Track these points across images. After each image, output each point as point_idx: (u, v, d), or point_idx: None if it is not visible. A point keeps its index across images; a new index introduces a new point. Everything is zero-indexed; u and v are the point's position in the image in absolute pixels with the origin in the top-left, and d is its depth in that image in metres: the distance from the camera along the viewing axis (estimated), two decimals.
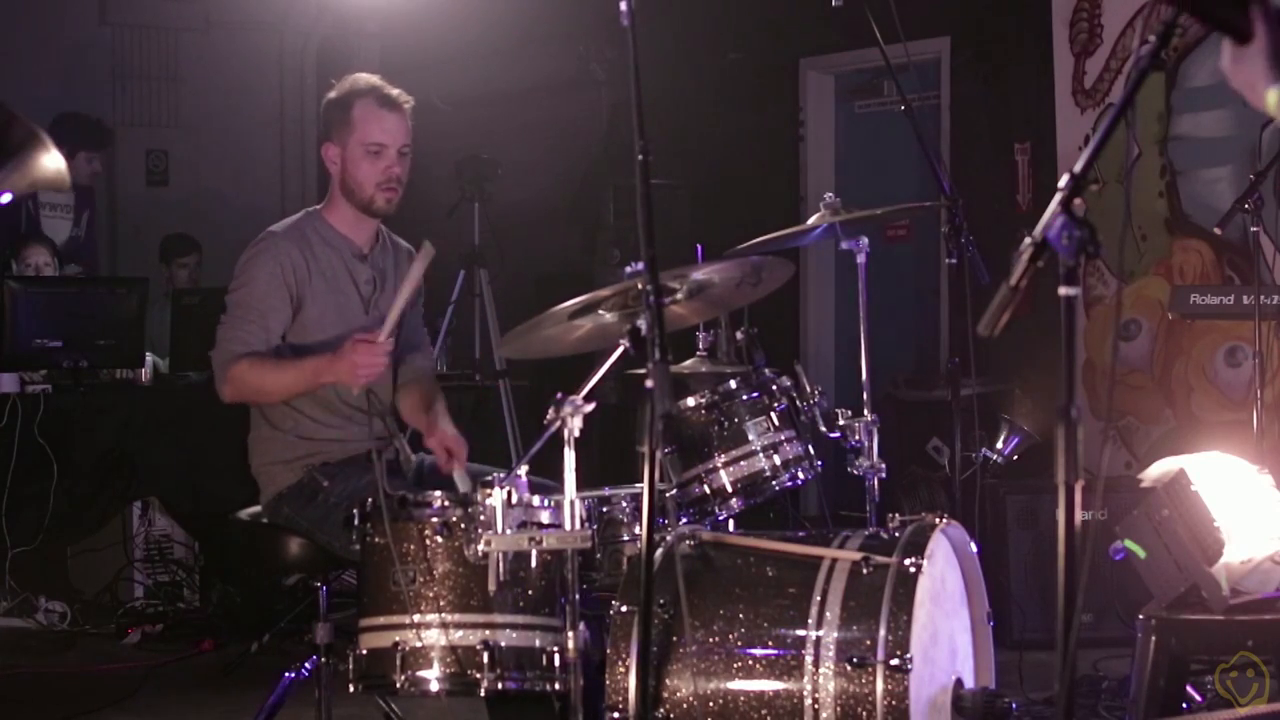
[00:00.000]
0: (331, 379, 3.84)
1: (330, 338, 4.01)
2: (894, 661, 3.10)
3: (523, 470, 3.35)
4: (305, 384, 3.90)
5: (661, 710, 3.20)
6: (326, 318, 4.02)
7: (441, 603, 3.25)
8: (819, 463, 3.92)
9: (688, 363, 4.08)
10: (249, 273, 4.00)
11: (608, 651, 3.25)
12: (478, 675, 3.22)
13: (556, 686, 3.25)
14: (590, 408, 3.23)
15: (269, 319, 3.95)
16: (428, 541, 3.28)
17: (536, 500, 3.33)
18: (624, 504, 3.62)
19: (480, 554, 3.25)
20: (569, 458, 3.20)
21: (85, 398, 6.40)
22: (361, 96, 4.05)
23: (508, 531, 3.25)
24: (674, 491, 3.74)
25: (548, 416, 3.21)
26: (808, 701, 3.14)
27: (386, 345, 3.76)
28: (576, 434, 3.20)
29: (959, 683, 3.41)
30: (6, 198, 3.05)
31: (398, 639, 3.26)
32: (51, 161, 3.10)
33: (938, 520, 3.38)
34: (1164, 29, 2.27)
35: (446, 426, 4.13)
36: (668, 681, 3.22)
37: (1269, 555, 3.88)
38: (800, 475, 3.86)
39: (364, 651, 3.32)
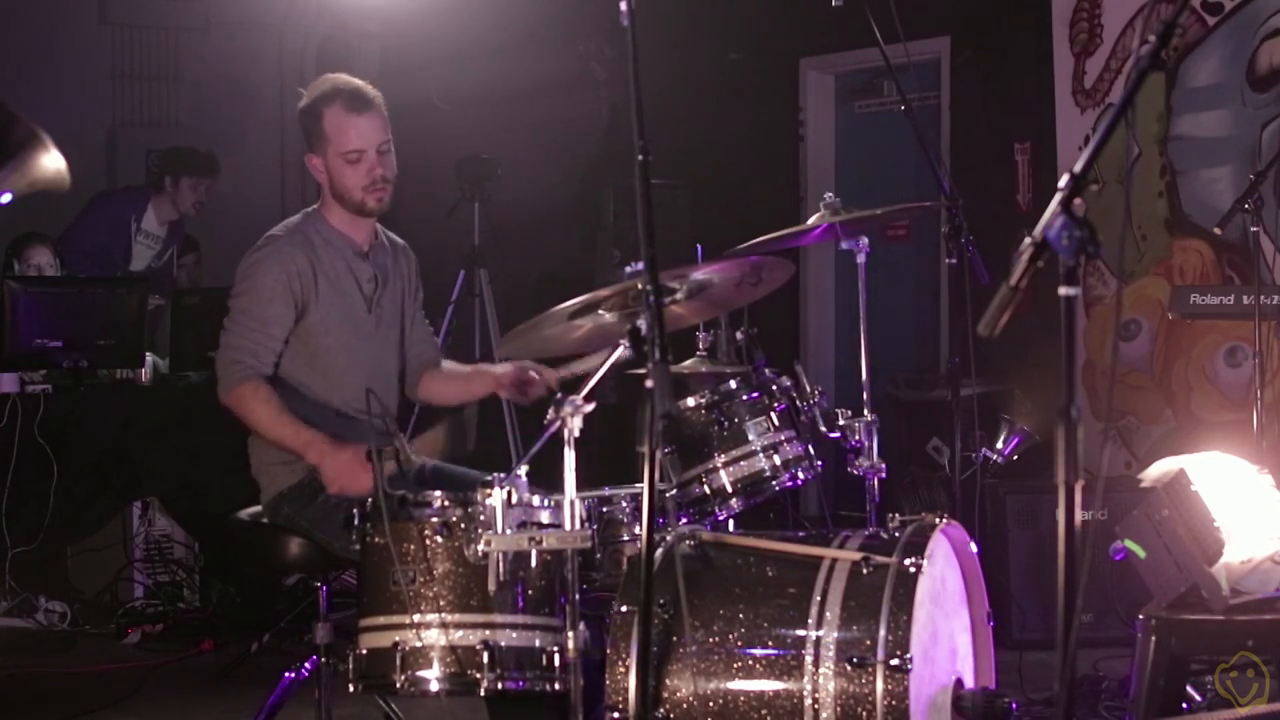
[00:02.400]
0: (316, 461, 3.84)
1: (335, 338, 4.02)
2: (894, 661, 3.10)
3: (523, 470, 3.35)
4: (291, 449, 3.90)
5: (661, 710, 3.20)
6: (331, 319, 4.03)
7: (441, 603, 3.25)
8: (819, 463, 3.93)
9: (688, 363, 4.08)
10: (253, 279, 4.00)
11: (608, 651, 3.25)
12: (478, 675, 3.22)
13: (556, 686, 3.26)
14: (590, 408, 3.24)
15: (271, 327, 3.97)
16: (428, 541, 3.28)
17: (537, 500, 3.34)
18: (624, 504, 3.63)
19: (480, 554, 3.25)
20: (569, 458, 3.20)
21: (85, 398, 6.40)
22: (329, 104, 4.02)
23: (508, 531, 3.25)
24: (674, 491, 3.74)
25: (548, 416, 3.22)
26: (808, 701, 3.14)
27: (369, 482, 3.68)
28: (576, 434, 3.20)
29: (959, 683, 3.41)
30: (7, 198, 3.06)
31: (398, 639, 3.26)
32: (51, 161, 3.11)
33: (938, 520, 3.38)
34: (1164, 29, 2.27)
35: (498, 366, 4.19)
36: (668, 681, 3.22)
37: (1269, 555, 3.88)
38: (800, 475, 3.86)
39: (364, 651, 3.32)
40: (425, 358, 4.34)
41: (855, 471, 4.05)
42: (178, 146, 8.05)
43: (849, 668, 3.13)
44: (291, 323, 4.00)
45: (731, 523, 3.83)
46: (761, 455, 3.80)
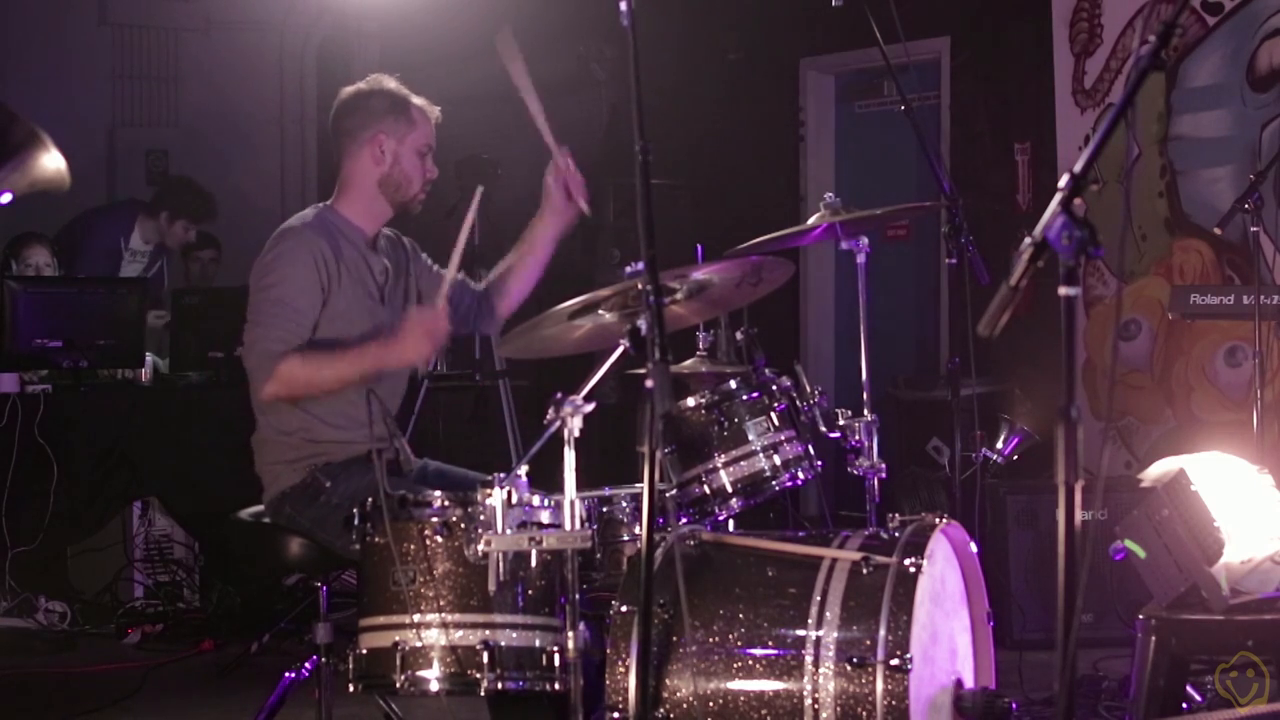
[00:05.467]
0: (396, 360, 3.87)
1: (353, 330, 4.01)
2: (894, 661, 3.10)
3: (523, 470, 3.35)
4: (364, 371, 3.85)
5: (661, 710, 3.20)
6: (352, 310, 4.02)
7: (441, 603, 3.26)
8: (819, 463, 3.92)
9: (688, 363, 4.08)
10: (281, 270, 3.93)
11: (608, 651, 3.25)
12: (478, 675, 3.22)
13: (556, 686, 3.26)
14: (590, 408, 3.24)
15: (305, 315, 3.90)
16: (428, 541, 3.28)
17: (536, 500, 3.34)
18: (624, 504, 3.63)
19: (480, 554, 3.25)
20: (569, 458, 3.20)
21: (85, 398, 6.40)
22: (413, 100, 4.15)
23: (508, 531, 3.25)
24: (674, 491, 3.74)
25: (548, 416, 3.22)
26: (808, 701, 3.14)
27: (444, 311, 3.80)
28: (576, 434, 3.20)
29: (959, 683, 3.41)
30: (7, 198, 3.06)
31: (398, 639, 3.26)
32: (51, 161, 3.11)
33: (938, 520, 3.38)
34: (1164, 29, 2.27)
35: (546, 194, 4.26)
36: (668, 681, 3.22)
37: (1269, 555, 3.88)
38: (800, 475, 3.85)
39: (364, 651, 3.32)
40: (472, 290, 4.35)
41: (855, 471, 4.05)
42: (183, 178, 8.02)
43: (849, 668, 3.13)
44: (319, 311, 3.96)
45: (731, 523, 3.83)
46: (761, 455, 3.80)
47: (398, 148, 4.08)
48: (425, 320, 3.82)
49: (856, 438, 4.02)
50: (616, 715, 3.19)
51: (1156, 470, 4.22)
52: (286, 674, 3.96)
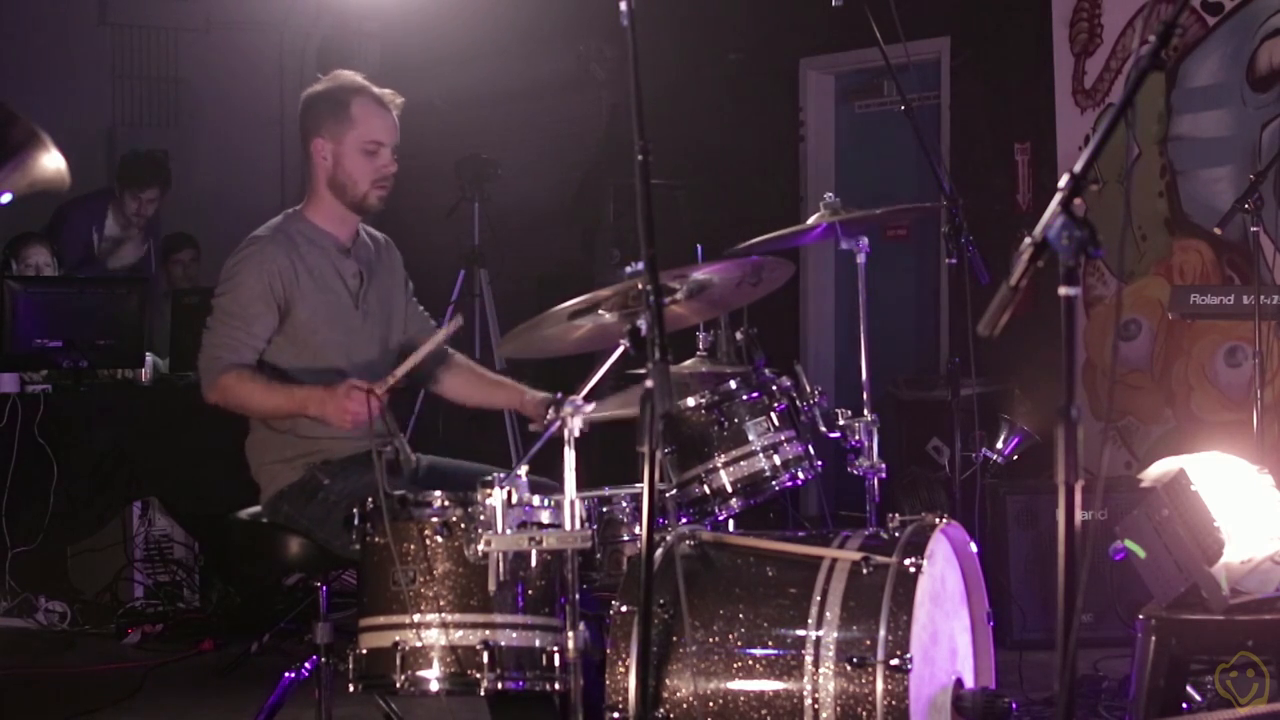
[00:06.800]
0: (317, 413, 3.83)
1: (322, 336, 4.02)
2: (894, 661, 3.10)
3: (523, 470, 3.35)
4: (290, 411, 3.91)
5: (661, 710, 3.20)
6: (318, 316, 4.04)
7: (441, 602, 3.26)
8: (819, 463, 3.92)
9: (688, 363, 4.08)
10: (235, 279, 4.01)
11: (608, 651, 3.25)
12: (478, 675, 3.23)
13: (556, 686, 3.26)
14: (590, 408, 3.24)
15: (254, 325, 3.98)
16: (428, 541, 3.28)
17: (536, 500, 3.34)
18: (624, 504, 3.63)
19: (480, 554, 3.25)
20: (569, 458, 3.20)
21: (85, 398, 6.40)
22: (358, 94, 4.07)
23: (508, 531, 3.25)
24: (674, 491, 3.74)
25: (548, 416, 3.22)
26: (808, 701, 3.14)
27: (381, 399, 3.74)
28: (576, 434, 3.20)
29: (959, 683, 3.41)
30: (6, 198, 3.06)
31: (398, 639, 3.26)
32: (51, 161, 3.11)
33: (938, 520, 3.39)
34: (1164, 29, 2.27)
35: (534, 392, 4.16)
36: (668, 681, 3.22)
37: (1269, 555, 3.88)
38: (800, 475, 3.85)
39: (364, 651, 3.32)
40: (420, 339, 4.26)
41: (855, 471, 4.05)
42: (135, 150, 8.02)
43: (849, 668, 3.13)
44: (274, 323, 4.00)
45: (731, 523, 3.83)
46: (761, 455, 3.80)
47: (336, 149, 4.06)
48: (357, 399, 3.72)
49: (856, 438, 4.03)
50: (616, 715, 3.19)
51: (1156, 470, 4.21)
52: (286, 674, 3.96)
